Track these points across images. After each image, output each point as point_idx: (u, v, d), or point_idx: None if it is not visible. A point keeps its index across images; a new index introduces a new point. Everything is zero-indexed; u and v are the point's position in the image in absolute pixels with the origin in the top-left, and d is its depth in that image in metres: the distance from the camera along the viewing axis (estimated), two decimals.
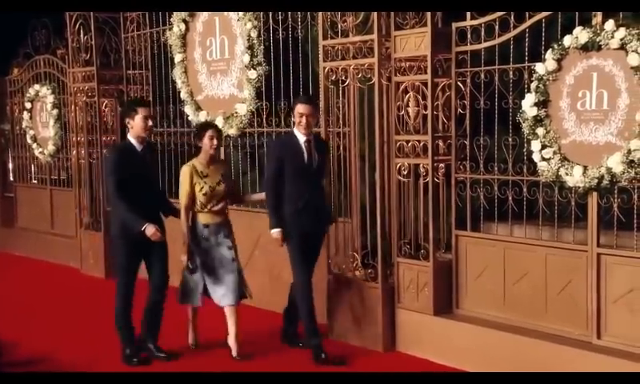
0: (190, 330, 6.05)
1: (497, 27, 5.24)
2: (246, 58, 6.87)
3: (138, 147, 5.55)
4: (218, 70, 7.34)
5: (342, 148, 6.13)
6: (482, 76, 5.35)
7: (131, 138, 5.56)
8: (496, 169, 5.35)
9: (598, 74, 4.70)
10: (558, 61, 4.87)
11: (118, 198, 5.42)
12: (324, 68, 6.08)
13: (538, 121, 4.97)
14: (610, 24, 4.57)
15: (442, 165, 5.59)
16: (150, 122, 5.61)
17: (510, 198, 5.25)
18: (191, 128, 7.72)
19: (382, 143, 5.82)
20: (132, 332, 5.69)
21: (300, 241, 5.61)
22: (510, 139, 5.25)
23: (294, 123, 5.68)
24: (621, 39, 4.51)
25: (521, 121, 5.05)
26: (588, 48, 4.71)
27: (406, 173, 5.70)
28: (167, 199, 6.13)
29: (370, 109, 5.89)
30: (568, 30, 4.82)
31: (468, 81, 5.44)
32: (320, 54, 6.10)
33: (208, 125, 5.94)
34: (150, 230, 5.36)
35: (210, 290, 5.72)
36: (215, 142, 5.66)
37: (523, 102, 5.03)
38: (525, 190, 5.18)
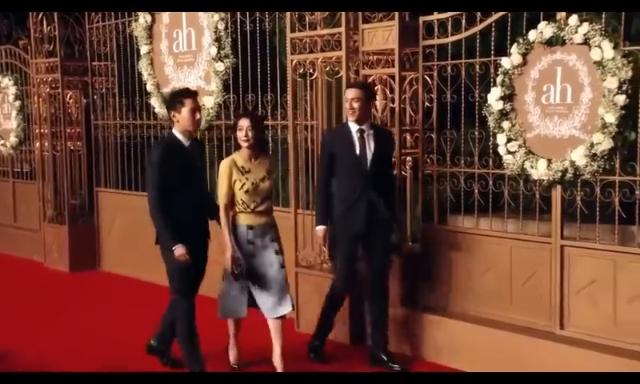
0: (231, 347, 5.35)
1: (463, 21, 5.28)
2: (214, 51, 6.83)
3: (186, 142, 4.94)
4: (185, 62, 7.29)
5: (309, 141, 6.13)
6: (449, 70, 5.40)
7: (177, 132, 4.93)
8: (462, 162, 5.40)
9: (562, 68, 4.77)
10: (523, 55, 4.93)
11: (157, 206, 4.81)
12: (292, 61, 6.08)
13: (503, 114, 5.03)
14: (573, 19, 4.63)
15: (409, 158, 5.63)
16: (199, 115, 4.98)
17: (476, 191, 5.31)
18: (158, 120, 7.67)
19: None
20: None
21: (347, 244, 5.21)
22: (477, 133, 5.31)
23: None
24: (584, 34, 4.58)
25: (487, 114, 5.10)
26: (552, 43, 4.77)
27: None
28: (213, 200, 5.30)
29: (338, 102, 5.90)
30: (533, 24, 4.88)
31: (435, 74, 5.48)
32: (288, 47, 6.10)
33: (241, 114, 5.17)
34: (178, 251, 4.77)
35: (258, 299, 5.04)
36: (249, 134, 4.90)
37: (489, 96, 5.08)
38: (490, 182, 5.24)
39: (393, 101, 5.56)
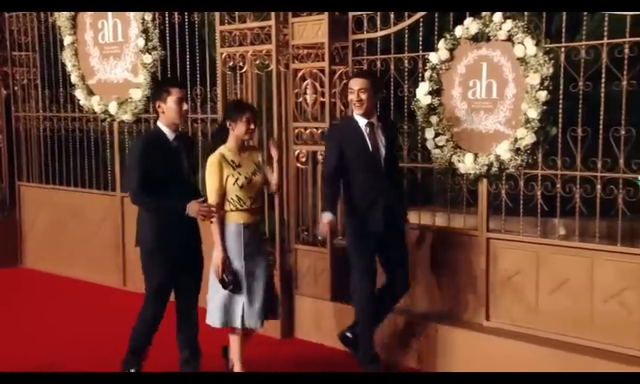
0: (236, 359, 4.79)
1: (392, 16, 5.33)
2: (141, 42, 6.70)
3: (170, 136, 4.60)
4: (112, 53, 7.12)
5: None
6: (378, 64, 5.44)
7: (162, 125, 4.60)
8: None
9: (487, 64, 4.87)
10: (450, 50, 5.01)
11: (141, 197, 4.48)
12: (221, 54, 6.02)
13: (431, 109, 5.10)
14: (497, 16, 4.73)
15: None
16: (185, 106, 4.65)
17: (405, 185, 5.37)
18: (83, 113, 7.48)
19: (280, 130, 5.83)
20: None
21: (364, 245, 4.80)
22: (405, 127, 5.37)
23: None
24: (508, 31, 4.68)
25: (415, 109, 5.17)
26: (478, 39, 4.86)
27: (304, 160, 5.74)
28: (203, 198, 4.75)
29: (269, 95, 5.89)
30: (459, 20, 4.96)
31: (365, 69, 5.51)
32: (217, 40, 6.04)
33: (245, 106, 4.83)
34: (193, 208, 4.40)
35: (247, 307, 4.61)
36: (253, 126, 4.66)
37: (417, 91, 5.15)
38: (419, 176, 5.32)
39: (323, 95, 5.57)
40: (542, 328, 4.76)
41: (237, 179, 4.56)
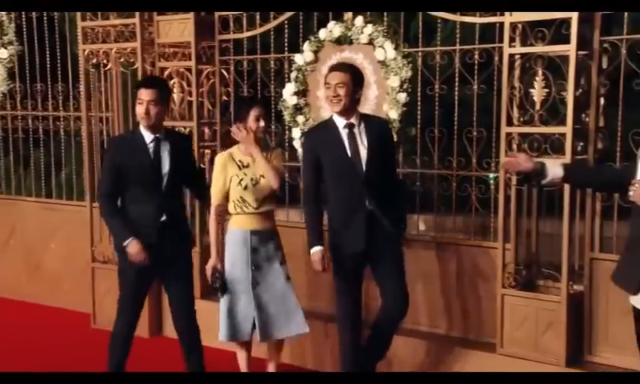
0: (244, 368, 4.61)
1: (257, 18, 5.41)
2: None
3: (148, 138, 4.26)
4: None
5: (105, 133, 5.98)
6: (245, 64, 5.51)
7: (142, 126, 4.30)
8: None
9: None
10: (315, 52, 5.15)
11: (104, 212, 4.34)
12: (83, 50, 5.86)
13: (297, 109, 5.22)
14: (359, 20, 4.91)
15: (207, 151, 5.67)
16: (155, 108, 4.21)
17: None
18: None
19: None
20: None
21: (343, 265, 4.23)
22: (273, 127, 5.47)
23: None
24: (369, 35, 4.88)
25: (282, 109, 5.28)
26: (341, 42, 5.02)
27: None
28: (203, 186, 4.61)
29: (135, 93, 5.79)
30: (323, 23, 5.11)
31: (232, 69, 5.57)
32: (79, 36, 5.88)
33: (252, 101, 4.60)
34: (133, 247, 4.16)
35: (259, 317, 4.30)
36: (262, 123, 4.32)
37: (284, 91, 5.26)
38: (287, 175, 5.42)
39: (190, 94, 5.57)
40: (405, 320, 4.99)
41: (241, 180, 4.27)
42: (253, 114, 4.28)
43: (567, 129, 4.17)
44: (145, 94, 4.21)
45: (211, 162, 5.63)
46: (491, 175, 4.63)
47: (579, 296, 4.34)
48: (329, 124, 4.26)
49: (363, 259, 4.22)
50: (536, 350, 4.34)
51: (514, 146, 4.40)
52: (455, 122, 4.77)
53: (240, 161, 4.33)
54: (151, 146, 4.28)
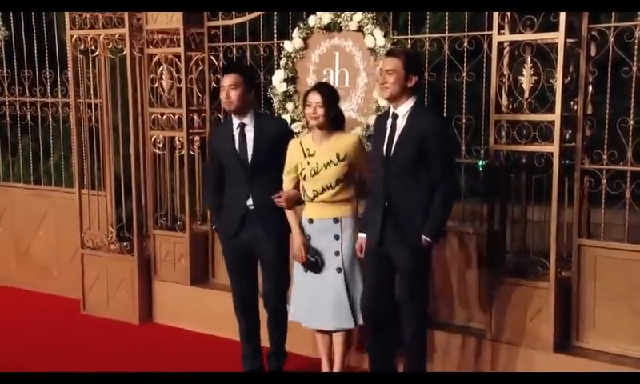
0: (323, 368, 4.50)
1: None
2: None
3: (235, 123, 4.39)
4: None
5: (94, 119, 5.95)
6: (234, 51, 5.49)
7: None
8: None
9: (340, 53, 5.03)
10: (304, 39, 5.13)
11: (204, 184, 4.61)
12: (71, 36, 5.82)
13: (287, 96, 5.21)
14: None
15: (197, 138, 5.66)
16: (236, 92, 4.27)
17: None
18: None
19: (135, 115, 5.74)
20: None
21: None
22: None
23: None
24: (358, 22, 4.86)
25: (272, 96, 5.27)
26: (330, 28, 5.01)
27: (161, 145, 5.70)
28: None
29: (123, 80, 5.77)
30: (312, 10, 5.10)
31: (221, 55, 5.55)
32: (67, 22, 5.83)
33: (310, 88, 4.35)
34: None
35: (306, 307, 4.33)
36: (318, 111, 4.14)
37: (273, 78, 5.25)
38: None
39: (179, 80, 5.54)
40: None
41: (303, 170, 4.22)
42: (307, 100, 4.22)
43: (556, 116, 4.20)
44: (225, 80, 4.32)
45: (201, 148, 5.66)
46: (480, 162, 4.65)
47: (567, 282, 4.38)
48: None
49: (387, 255, 4.00)
50: (524, 336, 4.38)
51: (503, 133, 4.43)
52: (444, 110, 4.78)
53: (307, 149, 4.24)
54: (237, 131, 4.36)
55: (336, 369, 4.39)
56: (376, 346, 4.22)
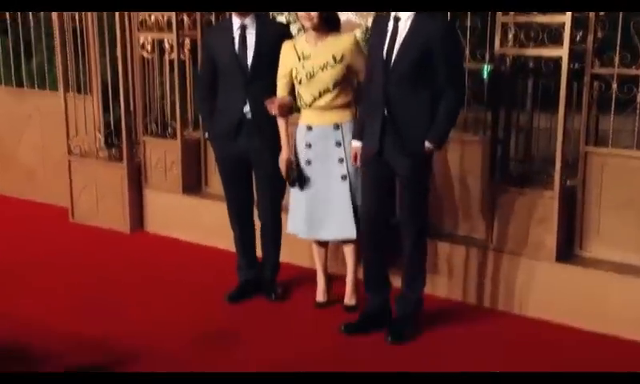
0: (318, 280, 4.41)
1: None
2: None
3: (236, 23, 4.13)
4: None
5: (77, 20, 5.67)
6: None
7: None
8: None
9: None
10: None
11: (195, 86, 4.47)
12: None
13: None
14: None
15: (187, 40, 5.42)
16: None
17: None
18: None
19: (122, 16, 5.46)
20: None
21: (365, 161, 3.89)
22: None
23: None
24: None
25: None
26: None
27: (149, 48, 5.46)
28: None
29: None
30: None
31: None
32: None
33: None
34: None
35: (306, 216, 4.16)
36: (311, 12, 3.87)
37: None
38: None
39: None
40: None
41: (298, 73, 3.97)
42: None
43: (566, 17, 3.99)
44: None
45: (192, 51, 5.42)
46: (485, 67, 4.46)
47: (572, 191, 4.27)
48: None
49: (386, 163, 3.79)
50: (527, 246, 4.30)
51: (510, 37, 4.23)
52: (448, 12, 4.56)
53: (302, 52, 3.98)
54: (237, 33, 4.11)
55: (348, 280, 4.32)
56: (371, 256, 4.04)
